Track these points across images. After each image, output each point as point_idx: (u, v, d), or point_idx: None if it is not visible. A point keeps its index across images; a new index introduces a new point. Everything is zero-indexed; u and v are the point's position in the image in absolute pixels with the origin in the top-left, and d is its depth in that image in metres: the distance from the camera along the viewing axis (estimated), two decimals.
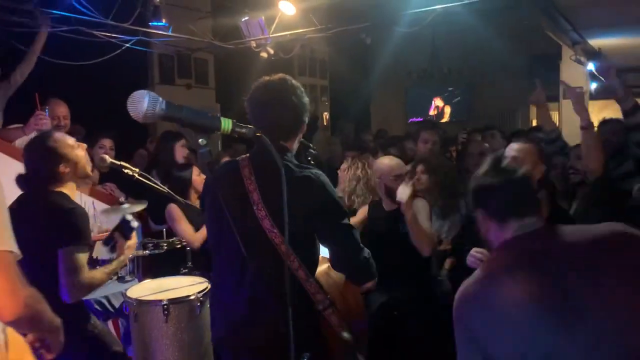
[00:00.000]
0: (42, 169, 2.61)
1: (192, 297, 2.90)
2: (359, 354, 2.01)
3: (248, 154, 1.96)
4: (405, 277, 3.21)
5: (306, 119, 2.01)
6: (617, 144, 3.50)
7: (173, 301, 2.86)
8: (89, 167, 2.81)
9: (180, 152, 4.36)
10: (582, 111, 3.23)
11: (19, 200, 2.62)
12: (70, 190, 2.68)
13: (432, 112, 12.86)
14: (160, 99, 1.32)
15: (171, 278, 3.28)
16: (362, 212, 3.60)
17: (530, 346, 1.34)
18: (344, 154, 5.18)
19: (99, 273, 2.63)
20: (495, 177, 1.59)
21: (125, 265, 3.27)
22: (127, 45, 5.03)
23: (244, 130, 1.44)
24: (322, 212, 1.87)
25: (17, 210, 2.61)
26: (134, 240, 2.88)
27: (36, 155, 2.64)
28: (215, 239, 2.01)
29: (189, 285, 3.08)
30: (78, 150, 2.72)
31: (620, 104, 3.27)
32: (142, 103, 1.30)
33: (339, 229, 1.91)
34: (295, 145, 2.03)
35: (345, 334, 1.90)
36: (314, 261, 1.95)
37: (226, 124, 1.40)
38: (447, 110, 12.81)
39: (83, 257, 2.51)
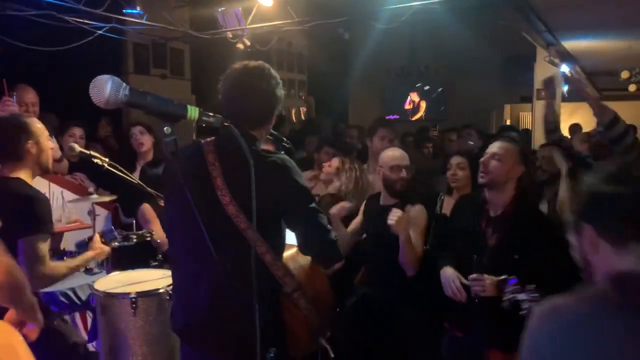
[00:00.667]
0: (6, 143, 2.54)
1: (161, 291, 2.85)
2: (322, 338, 2.01)
3: (213, 138, 1.92)
4: (397, 273, 3.11)
5: (276, 112, 1.98)
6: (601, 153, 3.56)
7: (141, 294, 2.81)
8: (51, 162, 2.73)
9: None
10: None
11: None
12: (27, 176, 2.60)
13: (407, 106, 12.93)
14: (124, 84, 1.28)
15: (140, 271, 3.23)
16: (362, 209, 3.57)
17: None
18: (323, 149, 5.13)
19: (61, 265, 2.58)
20: (621, 185, 1.24)
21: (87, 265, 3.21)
22: (100, 32, 4.92)
23: (211, 120, 1.40)
24: (289, 196, 1.87)
25: None
26: (107, 248, 2.94)
27: (5, 127, 2.58)
28: (176, 226, 1.98)
29: (158, 279, 3.03)
30: (48, 142, 2.68)
31: (597, 119, 3.37)
32: (105, 88, 1.27)
33: (306, 212, 1.90)
34: (263, 136, 2.00)
35: (313, 318, 1.91)
36: (280, 244, 1.94)
37: (192, 111, 1.37)
38: (423, 105, 12.90)
39: (44, 247, 2.45)
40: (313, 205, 1.92)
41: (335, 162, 4.04)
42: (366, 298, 3.29)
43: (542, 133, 3.97)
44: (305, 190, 1.94)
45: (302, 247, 1.99)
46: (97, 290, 2.88)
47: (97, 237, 2.95)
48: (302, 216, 1.90)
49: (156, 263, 3.44)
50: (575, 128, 7.64)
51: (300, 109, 11.77)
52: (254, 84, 1.90)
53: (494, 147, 2.73)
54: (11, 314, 1.81)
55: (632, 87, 6.98)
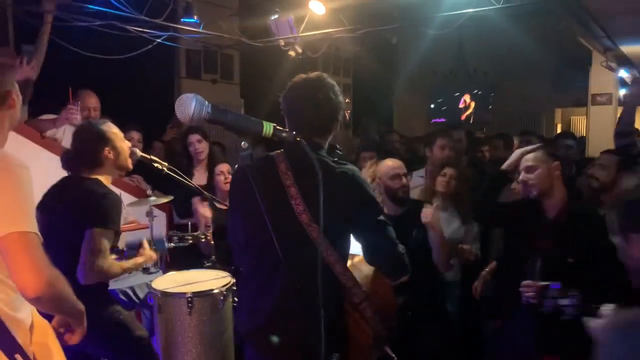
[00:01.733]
0: (87, 150, 2.71)
1: (215, 291, 2.94)
2: (386, 347, 2.04)
3: (282, 150, 1.98)
4: (416, 284, 3.18)
5: (340, 118, 2.04)
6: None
7: (197, 294, 2.90)
8: (129, 161, 2.88)
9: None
10: None
11: (56, 185, 2.71)
12: (105, 179, 2.76)
13: (461, 105, 12.77)
14: (207, 102, 1.36)
15: (195, 271, 3.32)
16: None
17: None
18: (360, 154, 5.15)
19: (117, 265, 2.69)
20: None
21: (139, 269, 3.33)
22: (159, 40, 5.09)
23: (284, 135, 1.46)
24: (360, 207, 1.91)
25: (53, 193, 2.73)
26: (155, 256, 3.06)
27: (85, 136, 2.74)
28: (247, 235, 2.02)
29: (212, 279, 3.12)
30: (124, 142, 2.83)
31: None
32: (190, 106, 1.34)
33: (376, 224, 1.95)
34: (327, 143, 2.06)
35: (378, 328, 1.94)
36: (346, 255, 2.00)
37: (267, 127, 1.43)
38: (472, 105, 12.71)
39: (107, 242, 2.57)
40: (381, 217, 1.96)
41: (369, 164, 4.06)
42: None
43: (598, 139, 3.86)
44: (375, 202, 1.98)
45: (370, 259, 2.03)
46: (155, 289, 2.98)
47: (145, 244, 3.05)
48: (371, 228, 1.94)
49: (209, 264, 3.55)
50: None
51: (345, 112, 11.77)
52: (317, 95, 1.95)
53: (526, 161, 2.77)
54: (58, 318, 1.91)
55: None
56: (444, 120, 12.74)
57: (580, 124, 12.01)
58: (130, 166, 2.94)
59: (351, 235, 1.99)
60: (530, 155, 2.77)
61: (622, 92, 8.05)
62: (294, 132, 1.50)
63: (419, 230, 3.10)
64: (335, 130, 2.05)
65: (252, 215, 1.76)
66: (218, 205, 3.57)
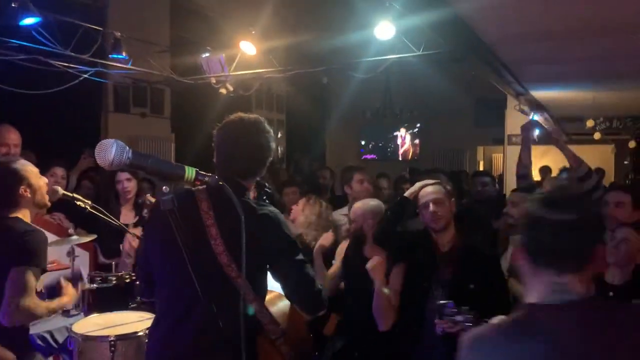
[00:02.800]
0: (2, 190, 2.61)
1: (140, 334, 2.85)
2: None
3: (204, 186, 1.96)
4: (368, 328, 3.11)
5: (268, 164, 2.08)
6: None
7: (120, 337, 2.80)
8: (47, 197, 2.79)
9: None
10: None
11: None
12: (24, 216, 2.66)
13: (398, 142, 13.22)
14: (127, 147, 1.37)
15: (119, 313, 3.22)
16: (340, 253, 3.62)
17: None
18: (283, 190, 5.22)
19: (42, 305, 2.58)
20: (551, 210, 1.34)
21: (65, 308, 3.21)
22: (85, 76, 5.00)
23: (207, 179, 1.49)
24: (279, 248, 1.96)
25: None
26: (76, 293, 2.96)
27: None
28: (162, 271, 2.01)
29: (137, 321, 3.02)
30: (40, 179, 2.73)
31: (573, 171, 3.65)
32: (110, 151, 1.35)
33: (295, 264, 1.99)
34: (252, 185, 2.11)
35: None
36: (264, 292, 2.02)
37: (190, 172, 1.45)
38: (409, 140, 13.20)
39: (33, 280, 2.47)
40: (300, 256, 2.01)
41: (302, 201, 4.13)
42: (347, 349, 3.34)
43: (514, 176, 4.16)
44: (294, 242, 2.03)
45: (289, 296, 2.07)
46: (75, 333, 2.86)
47: (64, 282, 2.94)
48: (291, 268, 1.99)
49: (134, 305, 3.45)
50: (545, 170, 7.93)
51: (278, 148, 11.91)
52: (250, 138, 1.99)
53: (427, 194, 2.91)
54: None
55: (597, 135, 7.33)
56: (375, 156, 13.16)
57: (500, 161, 12.77)
58: (49, 203, 2.85)
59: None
60: (437, 188, 2.93)
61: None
62: (216, 177, 1.53)
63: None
64: (260, 175, 2.09)
65: (171, 249, 1.73)
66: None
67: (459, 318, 2.34)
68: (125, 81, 7.07)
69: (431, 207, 2.84)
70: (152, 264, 2.05)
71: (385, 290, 2.93)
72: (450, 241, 2.85)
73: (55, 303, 2.74)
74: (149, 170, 1.41)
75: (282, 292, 2.14)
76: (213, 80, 5.85)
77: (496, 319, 1.51)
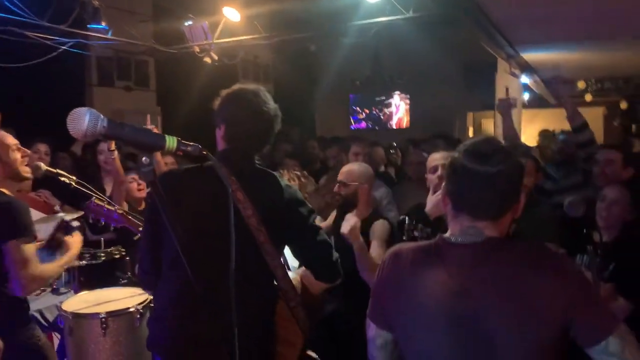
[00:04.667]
0: None
1: (131, 310, 2.82)
2: (312, 351, 2.10)
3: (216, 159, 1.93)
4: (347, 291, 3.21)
5: (276, 130, 2.06)
6: (568, 155, 3.72)
7: (112, 314, 2.77)
8: (23, 170, 2.69)
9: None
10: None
11: None
12: (4, 190, 2.57)
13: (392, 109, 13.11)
14: (102, 116, 1.29)
15: (109, 289, 3.17)
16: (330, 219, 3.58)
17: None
18: (285, 161, 5.18)
19: (50, 266, 2.57)
20: (474, 162, 1.45)
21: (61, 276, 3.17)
22: (64, 47, 4.83)
23: (189, 149, 1.41)
24: (297, 212, 1.97)
25: None
26: (79, 236, 2.90)
27: None
28: (180, 246, 1.93)
29: (128, 297, 2.99)
30: (15, 153, 2.63)
31: (569, 122, 3.58)
32: (83, 121, 1.26)
33: (311, 229, 2.02)
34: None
35: (307, 330, 2.00)
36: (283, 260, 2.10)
37: (171, 141, 1.37)
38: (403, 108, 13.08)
39: (30, 248, 2.44)
40: (316, 222, 2.05)
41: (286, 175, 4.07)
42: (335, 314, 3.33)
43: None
44: (309, 207, 2.04)
45: (306, 262, 2.10)
46: (65, 312, 2.82)
47: (66, 237, 2.92)
48: (307, 232, 2.01)
49: (125, 281, 3.40)
50: (547, 135, 7.87)
51: None
52: (261, 108, 1.96)
53: (434, 160, 2.91)
54: None
55: (588, 97, 7.29)
56: (366, 126, 13.05)
57: (489, 127, 12.71)
58: (27, 175, 2.75)
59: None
60: (447, 155, 2.89)
61: (526, 95, 8.57)
62: (199, 146, 1.44)
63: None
64: (271, 142, 2.08)
65: (189, 225, 1.63)
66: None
67: (416, 234, 2.51)
68: (107, 53, 6.88)
69: (440, 171, 2.80)
70: (165, 243, 1.96)
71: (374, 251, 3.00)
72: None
73: (64, 258, 2.73)
74: (126, 140, 1.33)
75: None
76: (197, 49, 5.69)
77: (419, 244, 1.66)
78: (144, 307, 2.86)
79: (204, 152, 1.44)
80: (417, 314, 1.51)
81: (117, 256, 3.47)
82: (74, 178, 3.21)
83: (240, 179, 1.89)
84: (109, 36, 5.07)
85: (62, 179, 3.14)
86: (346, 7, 4.71)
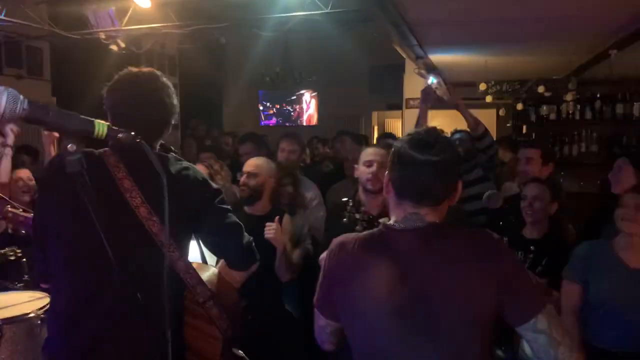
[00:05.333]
0: None
1: (31, 315, 2.58)
2: (235, 349, 1.99)
3: (106, 149, 1.77)
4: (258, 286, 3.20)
5: (173, 121, 1.91)
6: (466, 153, 3.90)
7: (8, 320, 2.52)
8: None
9: None
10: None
11: None
12: None
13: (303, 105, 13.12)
14: (22, 97, 1.14)
15: (5, 294, 2.90)
16: None
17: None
18: (199, 155, 5.02)
19: None
20: (416, 151, 1.53)
21: None
22: None
23: (120, 135, 1.29)
24: (201, 198, 1.83)
25: None
26: None
27: None
28: (65, 248, 1.77)
29: (26, 302, 2.74)
30: None
31: (471, 131, 3.82)
32: (0, 102, 1.12)
33: (219, 212, 1.88)
34: (157, 146, 1.91)
35: (226, 328, 1.86)
36: (187, 253, 1.89)
37: (100, 127, 1.24)
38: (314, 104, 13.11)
39: None
40: (225, 205, 1.90)
41: (201, 168, 3.93)
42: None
43: None
44: (218, 192, 1.90)
45: (216, 251, 1.98)
46: None
47: None
48: (216, 217, 1.86)
49: (22, 284, 3.12)
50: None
51: None
52: (152, 95, 1.81)
53: (367, 154, 2.92)
54: None
55: (488, 98, 7.75)
56: (275, 122, 13.02)
57: (392, 126, 13.21)
58: None
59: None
60: (377, 151, 2.93)
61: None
62: (132, 132, 1.33)
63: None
64: (166, 134, 1.92)
65: (76, 217, 1.54)
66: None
67: (357, 216, 2.61)
68: None
69: (374, 167, 2.82)
70: (50, 241, 1.80)
71: (293, 254, 3.08)
72: (379, 206, 2.80)
73: None
74: (50, 125, 1.19)
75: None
76: (102, 36, 5.34)
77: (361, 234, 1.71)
78: (45, 311, 2.63)
79: (138, 139, 1.32)
80: (364, 299, 1.55)
81: (13, 258, 3.17)
82: None
83: (132, 166, 1.73)
84: (1, 17, 4.60)
85: None
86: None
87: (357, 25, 5.64)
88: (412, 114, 6.98)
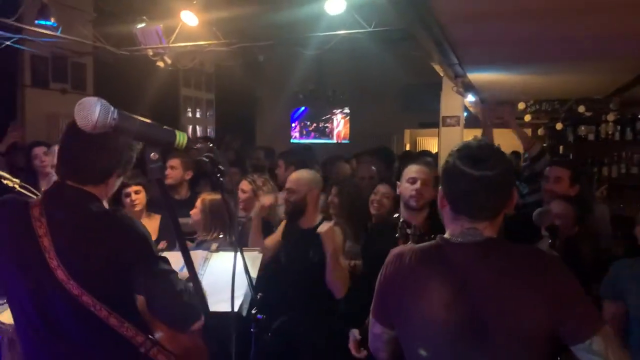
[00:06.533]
0: None
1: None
2: None
3: (43, 195, 1.72)
4: (307, 305, 3.17)
5: (130, 158, 1.76)
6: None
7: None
8: None
9: None
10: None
11: None
12: None
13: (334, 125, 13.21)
14: (112, 107, 1.19)
15: None
16: (279, 229, 3.48)
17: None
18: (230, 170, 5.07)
19: None
20: (471, 167, 1.53)
21: None
22: (8, 43, 4.52)
23: (199, 146, 1.34)
24: (136, 258, 1.68)
25: None
26: None
27: None
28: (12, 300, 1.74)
29: None
30: None
31: (528, 152, 3.83)
32: (94, 112, 1.16)
33: (155, 275, 1.71)
34: (111, 188, 1.79)
35: None
36: (126, 304, 1.74)
37: (181, 137, 1.28)
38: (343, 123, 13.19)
39: None
40: (162, 266, 1.74)
41: (245, 184, 3.96)
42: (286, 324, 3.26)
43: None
44: (150, 248, 1.73)
45: (154, 312, 1.77)
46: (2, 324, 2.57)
47: None
48: (148, 279, 1.71)
49: None
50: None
51: (207, 128, 11.57)
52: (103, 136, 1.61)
53: (411, 172, 2.86)
54: None
55: (527, 117, 7.67)
56: (307, 139, 13.11)
57: (424, 144, 13.15)
58: None
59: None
60: (426, 169, 2.89)
61: (465, 115, 8.90)
62: (210, 144, 1.36)
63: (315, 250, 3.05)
64: (115, 180, 1.78)
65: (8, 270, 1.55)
66: None
67: (409, 231, 2.59)
68: (44, 52, 6.49)
69: (418, 184, 2.80)
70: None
71: (343, 260, 3.01)
72: (421, 223, 2.75)
73: None
74: (136, 135, 1.24)
75: None
76: (150, 52, 5.49)
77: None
78: None
79: (210, 153, 1.35)
80: (419, 310, 1.57)
81: None
82: (17, 181, 3.05)
83: (55, 218, 1.63)
84: (57, 34, 4.78)
85: (6, 182, 2.96)
86: (304, 19, 4.70)
87: (397, 44, 5.65)
88: (448, 132, 6.96)
